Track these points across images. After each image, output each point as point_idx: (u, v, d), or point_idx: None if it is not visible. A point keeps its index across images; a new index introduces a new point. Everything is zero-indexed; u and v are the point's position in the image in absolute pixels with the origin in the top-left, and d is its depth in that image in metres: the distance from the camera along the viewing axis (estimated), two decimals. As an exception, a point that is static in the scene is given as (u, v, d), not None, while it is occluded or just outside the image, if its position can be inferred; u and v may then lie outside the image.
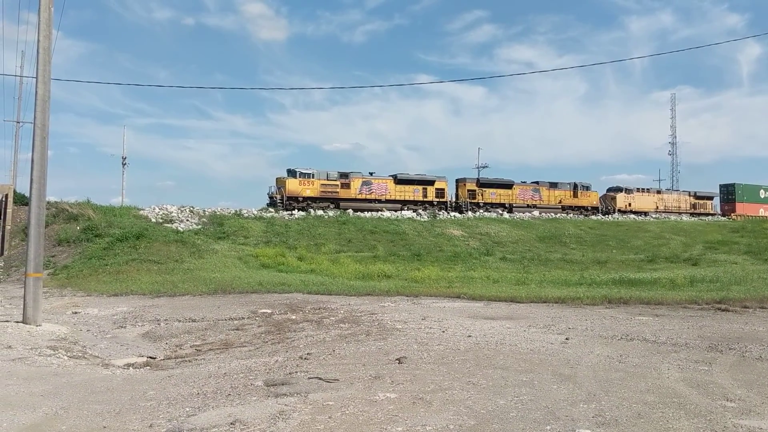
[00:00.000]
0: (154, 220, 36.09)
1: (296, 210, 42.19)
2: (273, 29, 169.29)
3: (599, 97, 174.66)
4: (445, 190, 49.50)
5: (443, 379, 7.49)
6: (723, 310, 14.53)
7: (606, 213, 56.18)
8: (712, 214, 65.29)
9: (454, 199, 50.37)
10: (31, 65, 24.90)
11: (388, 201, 46.51)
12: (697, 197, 65.90)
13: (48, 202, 34.49)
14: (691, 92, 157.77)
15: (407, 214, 45.52)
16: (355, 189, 45.42)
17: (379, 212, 44.38)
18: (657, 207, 60.79)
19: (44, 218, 14.32)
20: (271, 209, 42.12)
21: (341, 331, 11.88)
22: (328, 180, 44.52)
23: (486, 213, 49.33)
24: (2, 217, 33.71)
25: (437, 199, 48.62)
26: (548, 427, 5.56)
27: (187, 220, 36.63)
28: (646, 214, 58.73)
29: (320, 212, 42.63)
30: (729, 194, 67.37)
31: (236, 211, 40.16)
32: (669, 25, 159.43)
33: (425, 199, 48.17)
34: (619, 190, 59.17)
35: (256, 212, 40.49)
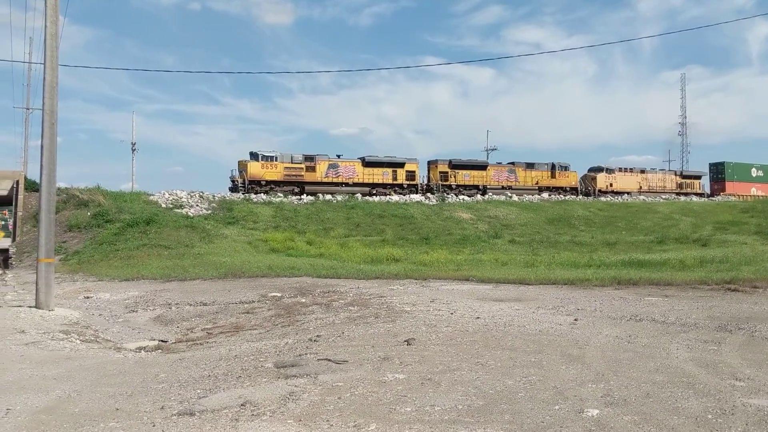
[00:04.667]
0: (164, 205, 36.27)
1: (259, 194, 41.15)
2: (279, 13, 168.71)
3: (608, 78, 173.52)
4: (416, 173, 48.44)
5: (452, 360, 7.52)
6: (732, 291, 14.46)
7: (586, 194, 54.98)
8: (700, 194, 63.74)
9: (425, 182, 49.44)
10: (39, 52, 24.93)
11: (356, 184, 45.45)
12: (683, 176, 64.54)
13: (58, 189, 34.72)
14: (701, 72, 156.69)
15: (415, 197, 45.34)
16: (321, 172, 44.39)
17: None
18: (641, 187, 59.23)
19: (54, 204, 14.42)
20: (233, 194, 41.10)
21: (350, 313, 11.94)
22: (292, 163, 43.48)
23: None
24: (14, 203, 33.98)
25: (407, 182, 47.59)
26: (557, 407, 5.59)
27: (197, 206, 36.78)
28: (629, 194, 57.28)
29: (329, 197, 42.54)
30: (719, 173, 66.21)
31: (245, 196, 40.22)
32: (678, 5, 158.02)
33: (395, 182, 47.16)
34: (599, 170, 57.66)
35: (265, 197, 40.54)
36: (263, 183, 42.40)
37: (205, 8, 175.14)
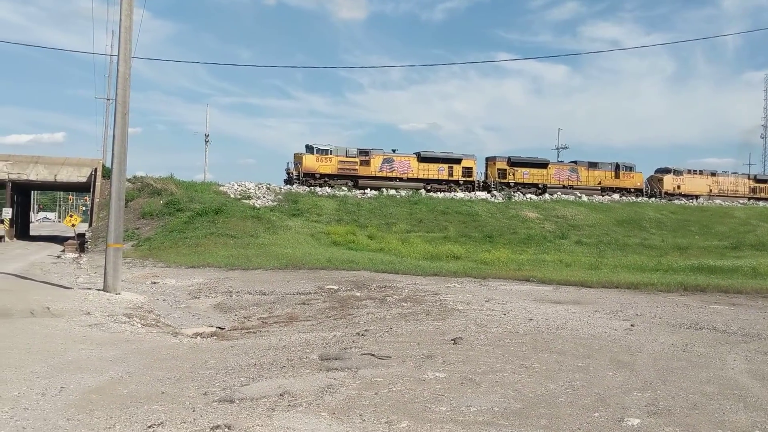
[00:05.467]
0: (232, 196, 37.23)
1: (314, 186, 41.31)
2: (352, 8, 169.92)
3: (688, 77, 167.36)
4: (473, 169, 47.22)
5: (496, 361, 7.45)
6: (807, 302, 13.77)
7: (651, 195, 52.77)
8: None
9: (482, 179, 48.28)
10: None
11: (410, 180, 44.86)
12: (757, 180, 60.90)
13: (134, 177, 36.16)
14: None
15: (481, 195, 44.86)
16: (375, 166, 43.96)
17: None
18: (710, 190, 56.35)
19: (124, 191, 14.99)
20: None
21: (402, 309, 11.97)
22: (346, 157, 43.30)
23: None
24: (92, 190, 35.53)
25: (464, 179, 46.55)
26: (596, 414, 5.47)
27: (264, 197, 37.58)
28: (697, 197, 54.73)
29: (392, 192, 42.58)
30: None
31: (311, 189, 40.77)
32: (764, 3, 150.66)
33: (450, 178, 46.19)
34: (667, 171, 55.09)
35: (329, 191, 40.98)
36: (317, 176, 42.58)
37: (280, 3, 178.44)
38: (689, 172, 56.66)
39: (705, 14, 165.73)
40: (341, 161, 43.15)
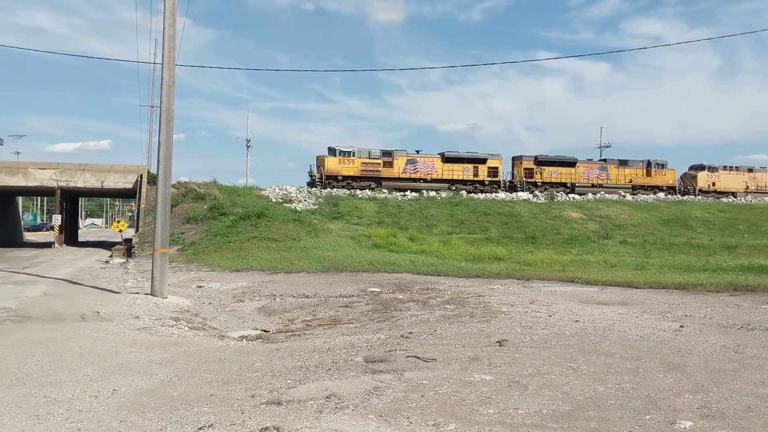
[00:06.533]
0: (274, 200, 37.64)
1: (335, 188, 41.29)
2: (390, 11, 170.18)
3: (734, 73, 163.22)
4: (499, 169, 46.67)
5: (543, 363, 7.36)
6: None
7: (685, 193, 51.38)
8: None
9: (509, 179, 47.66)
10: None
11: (434, 180, 44.48)
12: None
13: (178, 183, 36.82)
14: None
15: (522, 195, 44.44)
16: (398, 168, 43.76)
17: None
18: (747, 187, 54.40)
19: (170, 197, 15.26)
20: (310, 188, 41.43)
21: (446, 311, 11.92)
22: (369, 158, 43.15)
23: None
24: (137, 196, 36.31)
25: (489, 178, 45.99)
26: (647, 417, 5.36)
27: (305, 200, 37.91)
28: (734, 194, 52.94)
29: (432, 193, 42.49)
30: None
31: (351, 192, 40.94)
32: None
33: (476, 178, 45.70)
34: (701, 168, 53.61)
35: (369, 193, 41.09)
36: (340, 178, 42.54)
37: (318, 8, 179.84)
38: (725, 168, 54.83)
39: (750, 7, 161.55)
40: (364, 163, 43.10)
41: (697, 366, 7.25)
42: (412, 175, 44.32)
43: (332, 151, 43.12)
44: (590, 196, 46.58)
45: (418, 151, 45.32)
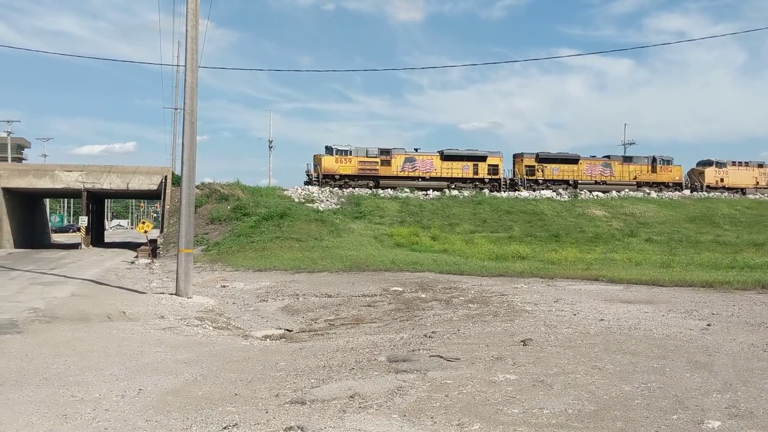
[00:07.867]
0: (296, 200, 37.75)
1: (333, 187, 40.96)
2: (410, 10, 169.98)
3: (760, 68, 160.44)
4: (499, 167, 45.86)
5: (567, 362, 7.29)
6: None
7: (693, 189, 50.14)
8: None
9: (510, 176, 46.91)
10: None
11: (433, 178, 43.86)
12: None
13: (202, 184, 37.10)
14: None
15: (546, 193, 44.10)
16: (396, 166, 43.16)
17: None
18: (757, 183, 52.98)
19: (194, 198, 15.38)
20: (308, 187, 41.07)
21: (469, 311, 11.87)
22: (366, 157, 42.63)
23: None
24: (162, 197, 36.66)
25: (489, 176, 45.22)
26: (675, 417, 5.28)
27: (327, 200, 37.98)
28: (743, 191, 51.67)
29: (455, 192, 42.32)
30: None
31: (373, 191, 40.93)
32: None
33: (476, 176, 44.94)
34: (708, 163, 52.21)
35: (392, 192, 41.04)
36: (337, 177, 42.20)
37: (339, 8, 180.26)
38: (733, 163, 53.44)
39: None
40: (361, 161, 42.68)
41: (725, 365, 7.14)
42: (411, 174, 43.84)
43: (329, 150, 42.81)
44: (614, 193, 46.08)
45: (416, 150, 45.06)
